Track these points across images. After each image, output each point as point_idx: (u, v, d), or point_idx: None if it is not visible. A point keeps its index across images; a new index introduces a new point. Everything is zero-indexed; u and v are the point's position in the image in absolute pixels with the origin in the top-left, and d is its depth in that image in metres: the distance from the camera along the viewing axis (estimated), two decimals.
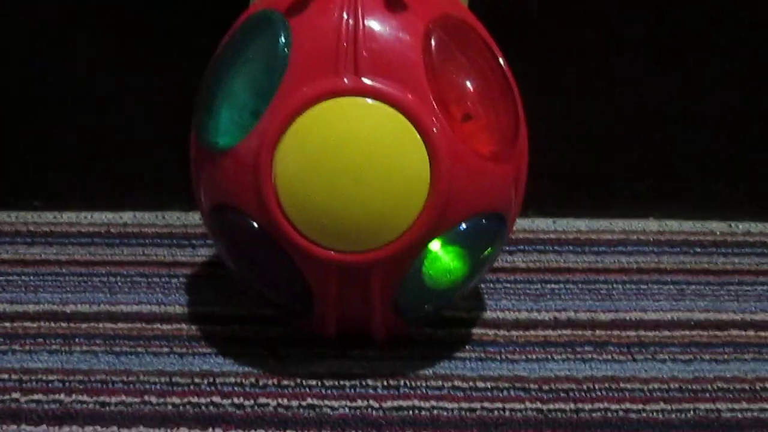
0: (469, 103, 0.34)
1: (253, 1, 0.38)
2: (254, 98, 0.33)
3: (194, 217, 0.50)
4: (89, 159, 0.51)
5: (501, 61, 0.36)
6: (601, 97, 0.50)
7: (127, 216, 0.50)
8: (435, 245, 0.34)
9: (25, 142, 0.51)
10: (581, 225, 0.51)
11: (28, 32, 0.48)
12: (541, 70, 0.49)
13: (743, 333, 0.41)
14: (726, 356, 0.39)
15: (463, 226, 0.34)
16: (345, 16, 0.33)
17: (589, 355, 0.39)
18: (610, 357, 0.39)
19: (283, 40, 0.33)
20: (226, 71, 0.35)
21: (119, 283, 0.44)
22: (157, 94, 0.49)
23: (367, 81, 0.32)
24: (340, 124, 0.32)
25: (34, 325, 0.40)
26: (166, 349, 0.39)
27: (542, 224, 0.51)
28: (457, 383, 0.37)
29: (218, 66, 0.35)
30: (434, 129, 0.33)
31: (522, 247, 0.48)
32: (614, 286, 0.45)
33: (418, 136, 0.33)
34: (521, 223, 0.49)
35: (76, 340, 0.39)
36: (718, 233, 0.50)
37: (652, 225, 0.51)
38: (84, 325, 0.40)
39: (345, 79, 0.32)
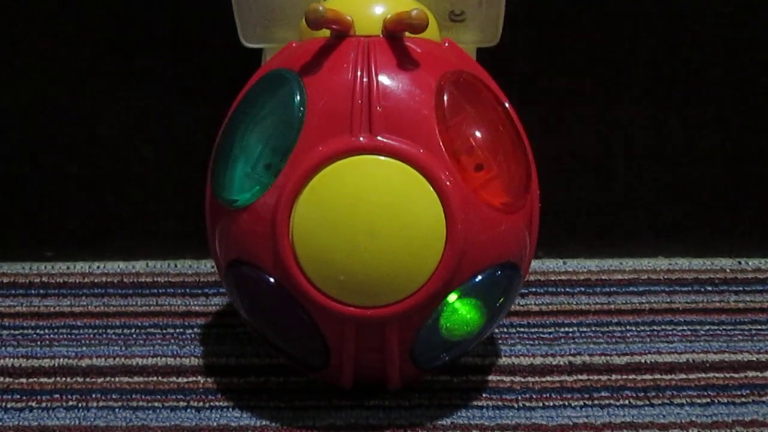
0: (481, 155, 0.34)
1: (265, 59, 0.39)
2: (270, 156, 0.34)
3: (206, 266, 0.50)
4: (100, 208, 0.51)
5: (510, 112, 0.37)
6: (609, 137, 0.51)
7: (139, 265, 0.51)
8: (451, 297, 0.34)
9: (36, 192, 0.51)
10: (591, 265, 0.51)
11: (40, 82, 0.49)
12: (549, 113, 0.50)
13: (759, 374, 0.41)
14: (743, 399, 0.39)
15: (479, 277, 0.34)
16: (359, 73, 0.34)
17: (606, 401, 0.39)
18: (627, 402, 0.39)
19: (299, 99, 0.34)
20: (242, 129, 0.35)
21: (134, 335, 0.44)
22: (168, 144, 0.50)
23: (381, 139, 0.33)
24: (355, 182, 0.33)
25: (50, 380, 0.40)
26: (182, 403, 0.39)
27: (553, 265, 0.51)
28: None
29: (234, 124, 0.36)
30: (447, 183, 0.33)
31: (534, 289, 0.48)
32: (628, 328, 0.45)
33: (433, 191, 0.33)
34: (532, 265, 0.49)
35: (93, 395, 0.39)
36: (728, 270, 0.50)
37: (661, 263, 0.51)
38: (100, 380, 0.40)
39: (360, 138, 0.33)
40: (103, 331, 0.44)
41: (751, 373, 0.41)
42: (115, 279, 0.49)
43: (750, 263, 0.51)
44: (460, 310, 0.35)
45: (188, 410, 0.38)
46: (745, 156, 0.51)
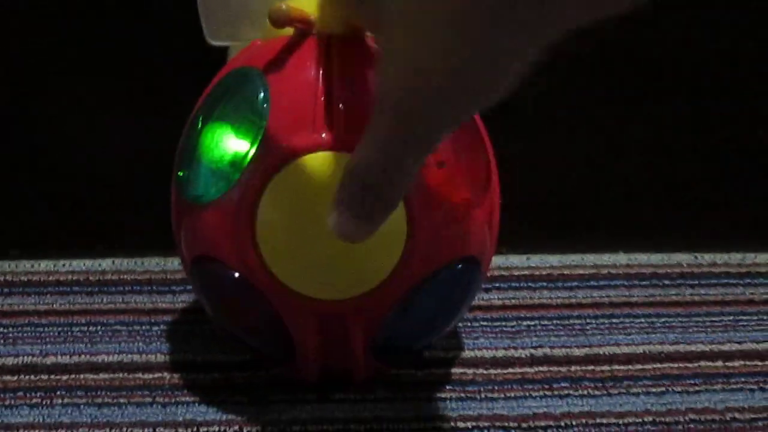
0: (442, 152, 0.35)
1: (230, 57, 0.39)
2: (234, 153, 0.34)
3: (173, 263, 0.50)
4: (66, 206, 0.51)
5: None
6: (570, 135, 0.52)
7: (105, 263, 0.50)
8: (413, 291, 0.35)
9: (0, 190, 0.51)
10: (554, 260, 0.52)
11: (4, 77, 0.49)
12: (511, 111, 0.51)
13: (711, 364, 0.42)
14: (696, 387, 0.41)
15: (440, 272, 0.35)
16: (321, 71, 0.34)
17: (566, 391, 0.40)
18: (585, 392, 0.40)
19: (262, 95, 0.34)
20: (207, 126, 0.35)
21: (99, 333, 0.44)
22: (134, 141, 0.50)
23: (342, 135, 0.34)
24: (318, 178, 0.33)
25: (14, 378, 0.40)
26: (148, 399, 0.39)
27: (516, 261, 0.52)
28: (438, 424, 0.37)
29: (198, 121, 0.36)
30: None
31: (497, 284, 0.49)
32: (588, 321, 0.46)
33: None
34: (496, 260, 0.50)
35: (58, 392, 0.39)
36: (684, 265, 0.52)
37: (621, 258, 0.52)
38: (65, 377, 0.40)
39: (322, 134, 0.34)
40: (68, 328, 0.44)
41: (704, 363, 0.42)
42: (81, 277, 0.49)
43: (705, 258, 0.53)
44: (421, 304, 0.35)
45: (154, 406, 0.38)
46: (700, 154, 0.53)
